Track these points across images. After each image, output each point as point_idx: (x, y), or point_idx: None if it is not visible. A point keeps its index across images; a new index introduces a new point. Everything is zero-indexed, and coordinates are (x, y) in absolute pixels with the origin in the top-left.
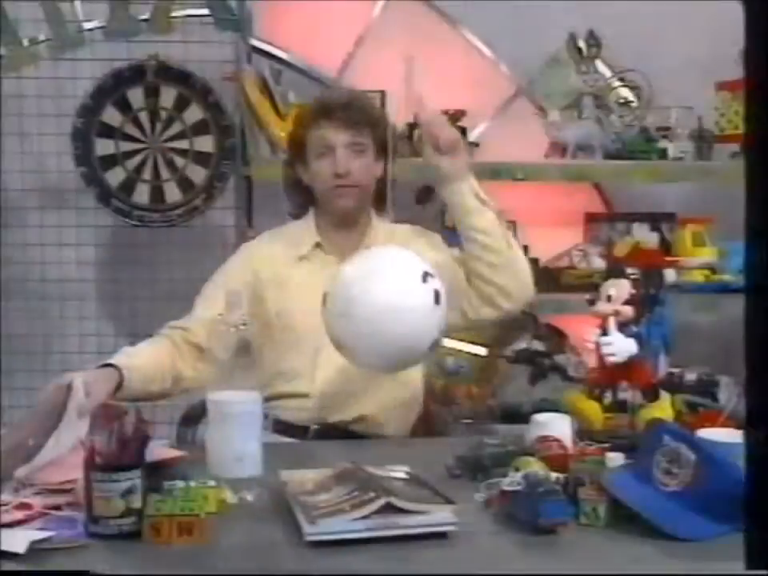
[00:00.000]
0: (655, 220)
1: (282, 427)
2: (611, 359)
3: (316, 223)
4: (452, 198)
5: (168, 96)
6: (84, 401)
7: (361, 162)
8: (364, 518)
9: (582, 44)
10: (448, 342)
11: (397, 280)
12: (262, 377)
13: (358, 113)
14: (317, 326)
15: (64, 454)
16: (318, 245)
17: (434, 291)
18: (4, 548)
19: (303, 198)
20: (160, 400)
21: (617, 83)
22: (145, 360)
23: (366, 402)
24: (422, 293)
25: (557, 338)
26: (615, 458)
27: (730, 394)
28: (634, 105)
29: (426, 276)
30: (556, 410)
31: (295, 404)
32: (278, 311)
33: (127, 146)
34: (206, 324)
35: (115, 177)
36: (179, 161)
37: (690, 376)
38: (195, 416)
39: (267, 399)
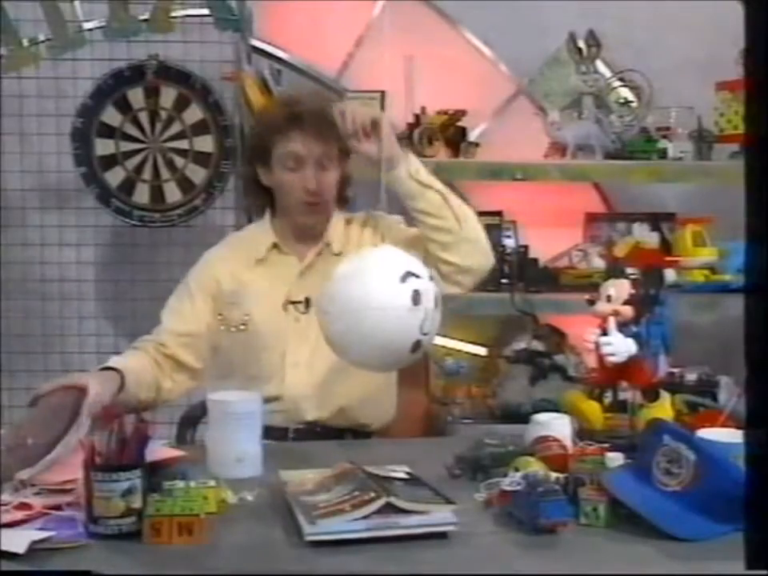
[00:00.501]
0: (655, 220)
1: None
2: (611, 359)
3: (272, 223)
4: (393, 185)
5: (168, 96)
6: (95, 402)
7: (328, 176)
8: (364, 517)
9: (582, 44)
10: (448, 342)
11: (372, 280)
12: (236, 382)
13: (328, 124)
14: (280, 328)
15: (68, 454)
16: (274, 245)
17: (412, 291)
18: (4, 548)
19: (262, 199)
20: (144, 410)
21: (617, 83)
22: (134, 367)
23: (339, 396)
24: (396, 293)
25: (557, 338)
26: (615, 458)
27: (730, 394)
28: (633, 105)
29: (406, 276)
30: (556, 410)
31: (270, 407)
32: (241, 317)
33: (127, 146)
34: (177, 336)
35: (115, 177)
36: (179, 161)
37: (690, 376)
38: (195, 416)
39: None
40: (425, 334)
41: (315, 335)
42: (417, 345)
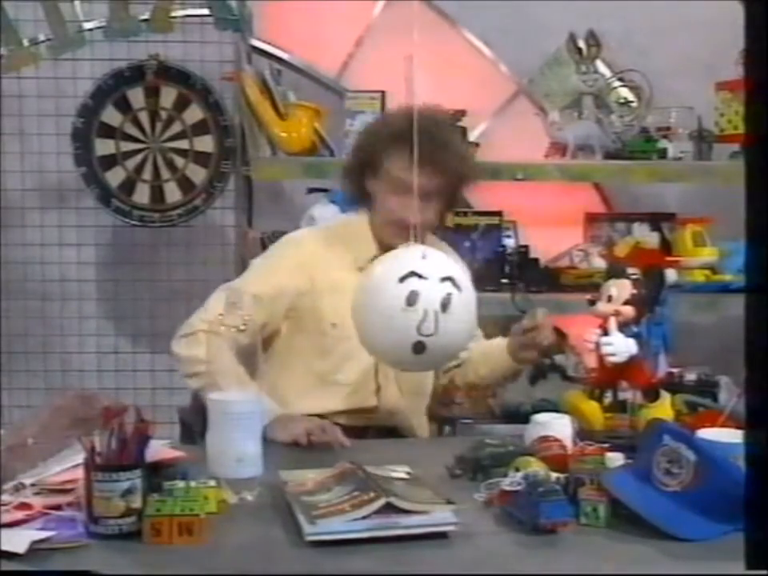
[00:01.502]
0: (655, 220)
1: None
2: (611, 359)
3: (374, 233)
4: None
5: (168, 96)
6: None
7: (429, 208)
8: (364, 518)
9: (582, 44)
10: None
11: (372, 279)
12: (300, 385)
13: (448, 162)
14: None
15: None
16: (375, 257)
17: (408, 292)
18: (4, 548)
19: (360, 197)
20: None
21: (617, 83)
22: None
23: (414, 410)
24: (390, 293)
25: (557, 337)
26: (615, 458)
27: (730, 394)
28: (634, 105)
29: (408, 276)
30: (556, 410)
31: (358, 416)
32: (335, 322)
33: (127, 146)
34: (258, 325)
35: (115, 177)
36: (179, 161)
37: (690, 376)
38: (196, 416)
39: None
40: (427, 336)
41: None
42: (419, 346)
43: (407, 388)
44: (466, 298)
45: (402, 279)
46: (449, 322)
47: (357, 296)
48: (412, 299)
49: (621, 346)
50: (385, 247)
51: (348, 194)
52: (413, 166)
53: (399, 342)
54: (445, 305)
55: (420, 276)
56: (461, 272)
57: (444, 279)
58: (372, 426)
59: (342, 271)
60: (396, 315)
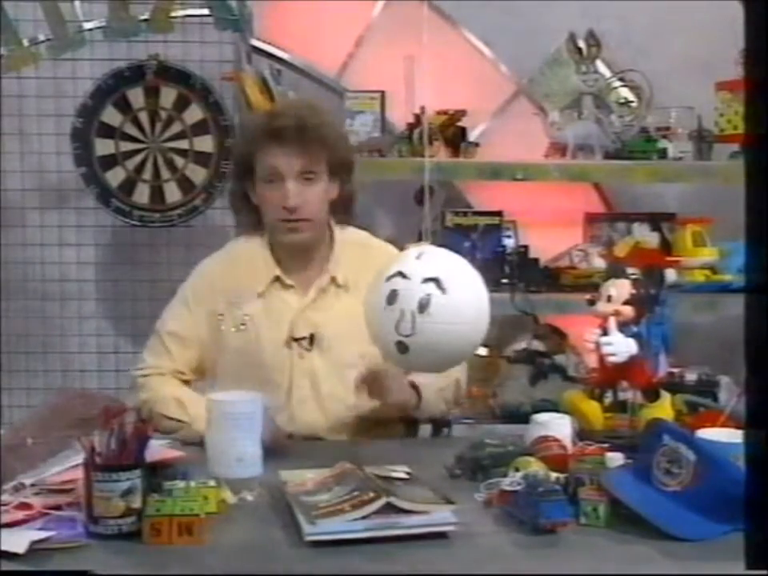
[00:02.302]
0: (655, 220)
1: None
2: (611, 359)
3: (272, 251)
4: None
5: (168, 96)
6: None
7: (313, 192)
8: (364, 518)
9: (582, 44)
10: None
11: (375, 275)
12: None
13: (311, 137)
14: (284, 362)
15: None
16: (276, 278)
17: (389, 291)
18: (4, 548)
19: (253, 217)
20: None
21: (617, 83)
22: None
23: (348, 430)
24: (376, 292)
25: (557, 338)
26: (615, 458)
27: (730, 394)
28: (634, 105)
29: (393, 276)
30: (556, 410)
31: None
32: (240, 349)
33: (127, 146)
34: (188, 362)
35: (115, 177)
36: (179, 161)
37: (690, 376)
38: None
39: None
40: (406, 336)
41: (322, 371)
42: (401, 346)
43: (331, 407)
44: (453, 300)
45: (389, 278)
46: (427, 324)
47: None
48: (391, 298)
49: (621, 346)
50: (294, 255)
51: (241, 221)
52: (278, 148)
53: (385, 340)
54: (423, 306)
55: (404, 276)
56: (459, 274)
57: (427, 280)
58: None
59: (242, 301)
60: (378, 314)
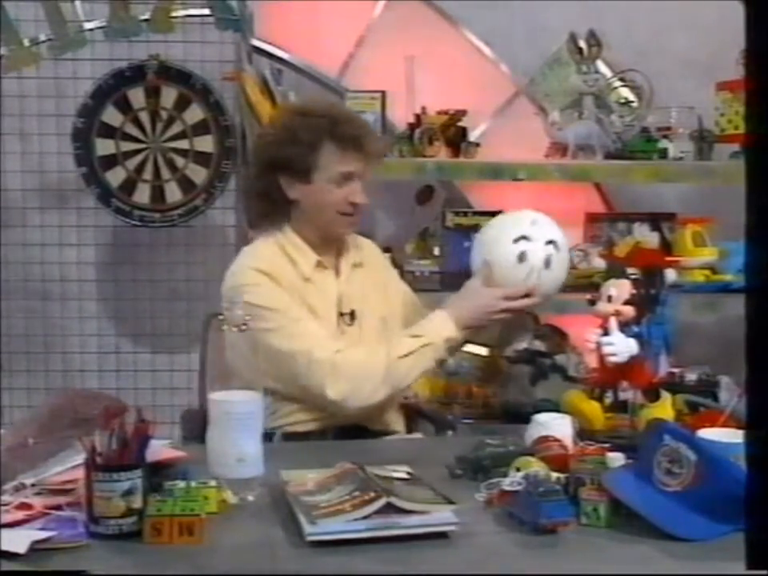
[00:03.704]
0: (655, 220)
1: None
2: (612, 359)
3: (304, 239)
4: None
5: (168, 96)
6: None
7: (364, 190)
8: (364, 517)
9: (582, 44)
10: None
11: (490, 237)
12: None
13: (378, 146)
14: (338, 337)
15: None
16: (318, 263)
17: (519, 252)
18: (4, 548)
19: (272, 210)
20: None
21: (617, 83)
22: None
23: (383, 405)
24: (504, 252)
25: (557, 338)
26: (616, 458)
27: (730, 394)
28: (634, 105)
29: (519, 239)
30: (557, 410)
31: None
32: (242, 317)
33: (127, 146)
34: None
35: (115, 177)
36: (179, 161)
37: (691, 376)
38: (196, 416)
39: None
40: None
41: (359, 340)
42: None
43: None
44: (564, 256)
45: (516, 240)
46: (547, 276)
47: (474, 250)
48: (521, 257)
49: (621, 346)
50: (325, 244)
51: (255, 214)
52: (360, 155)
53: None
54: (548, 263)
55: (528, 239)
56: (561, 235)
57: (548, 243)
58: (342, 426)
59: (295, 285)
60: (511, 270)
